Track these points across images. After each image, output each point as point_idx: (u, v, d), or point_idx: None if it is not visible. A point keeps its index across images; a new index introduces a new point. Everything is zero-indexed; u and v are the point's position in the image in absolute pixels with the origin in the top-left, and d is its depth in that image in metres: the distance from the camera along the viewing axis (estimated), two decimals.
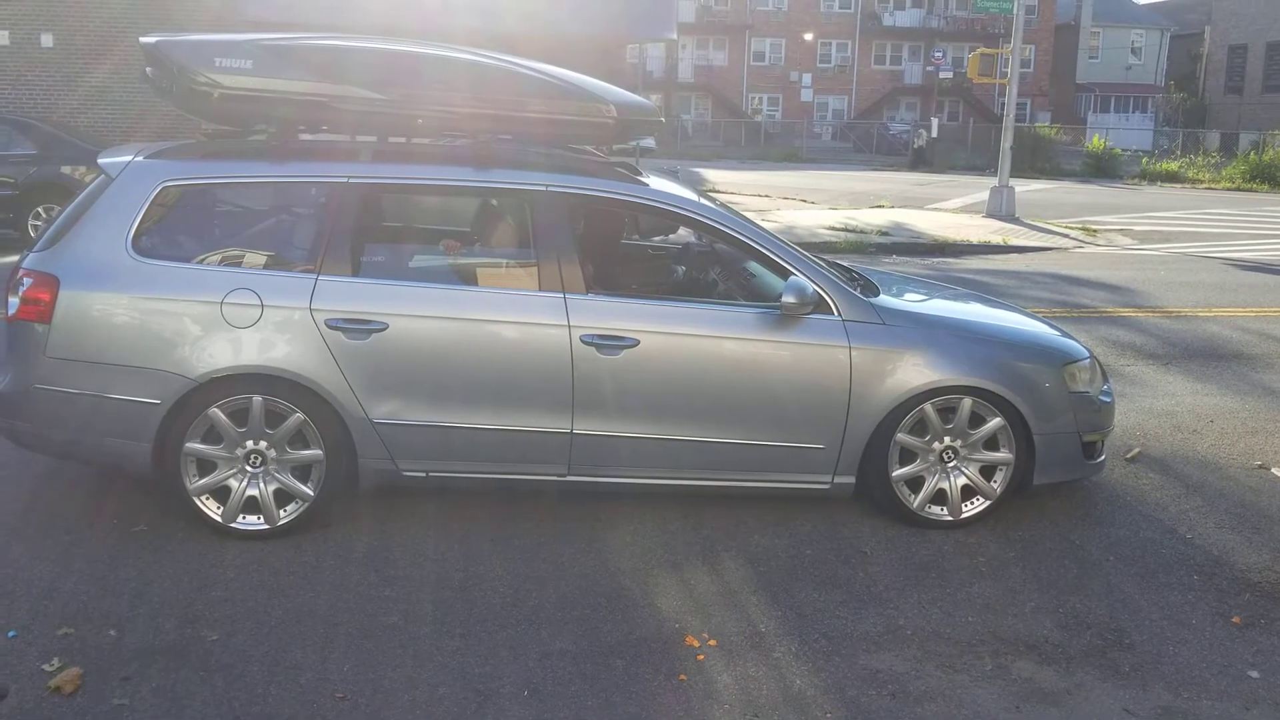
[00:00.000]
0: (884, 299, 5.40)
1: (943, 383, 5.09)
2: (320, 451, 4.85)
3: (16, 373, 4.86)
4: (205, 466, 4.85)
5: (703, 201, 5.41)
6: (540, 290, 4.95)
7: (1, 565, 4.57)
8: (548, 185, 5.05)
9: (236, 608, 4.27)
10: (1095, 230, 19.13)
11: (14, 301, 4.81)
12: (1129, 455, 6.45)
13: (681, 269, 6.31)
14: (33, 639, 3.98)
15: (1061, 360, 5.39)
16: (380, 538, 4.95)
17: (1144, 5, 67.41)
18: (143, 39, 5.19)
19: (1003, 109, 23.21)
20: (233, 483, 4.84)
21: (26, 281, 4.78)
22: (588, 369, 4.90)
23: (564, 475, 5.07)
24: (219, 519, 4.84)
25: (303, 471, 4.91)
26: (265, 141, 5.20)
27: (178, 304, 4.76)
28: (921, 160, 38.35)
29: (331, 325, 4.78)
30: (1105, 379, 5.69)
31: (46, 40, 19.65)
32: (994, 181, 21.71)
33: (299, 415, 4.80)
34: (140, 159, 5.00)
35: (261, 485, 4.85)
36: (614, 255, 6.16)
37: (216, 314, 4.73)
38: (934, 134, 38.91)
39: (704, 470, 5.15)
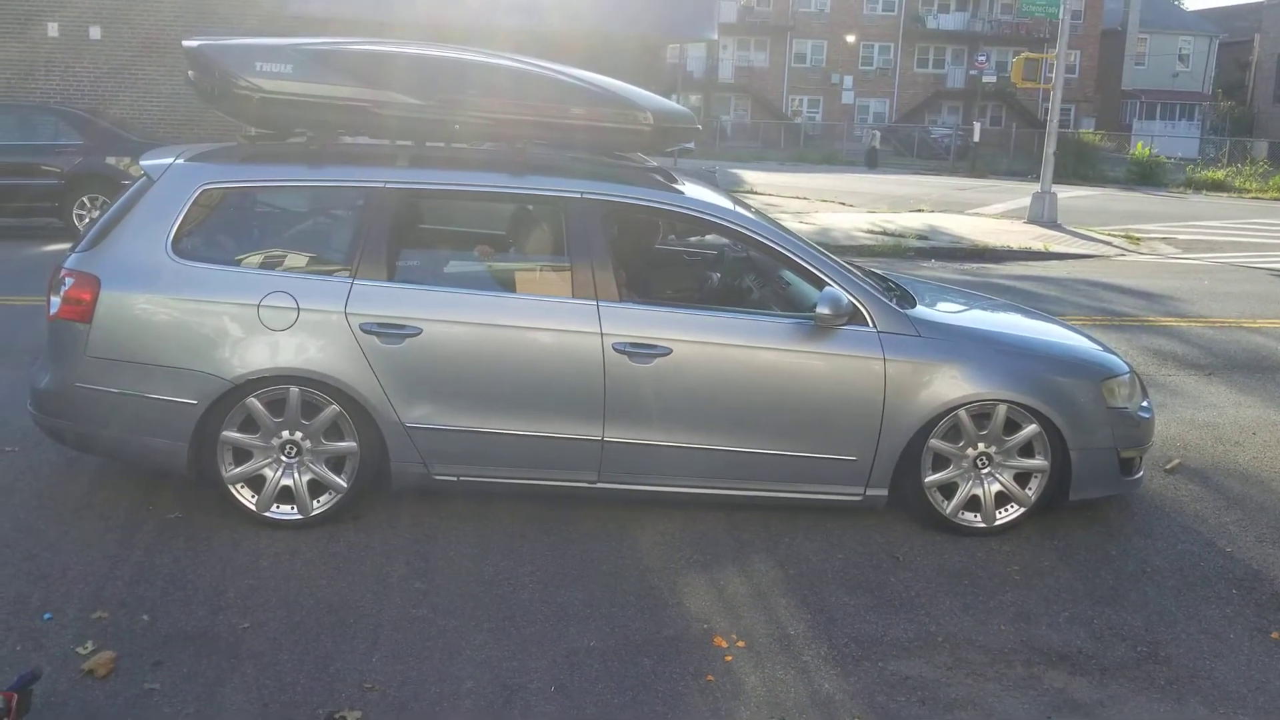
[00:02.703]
0: (920, 310, 5.35)
1: (978, 396, 5.04)
2: (354, 444, 4.89)
3: (57, 371, 4.94)
4: (241, 455, 4.89)
5: (738, 210, 5.38)
6: (573, 297, 4.95)
7: (38, 550, 4.63)
8: (582, 192, 5.05)
9: (268, 596, 4.30)
10: (1138, 238, 18.90)
11: (55, 301, 4.88)
12: (1168, 466, 6.36)
13: (716, 276, 6.28)
14: (67, 622, 4.03)
15: (1100, 375, 5.31)
16: (412, 531, 4.97)
17: (1193, 12, 66.60)
18: (185, 42, 5.26)
19: (1046, 114, 22.99)
20: (267, 472, 4.89)
21: (68, 281, 4.85)
22: (619, 377, 4.89)
23: (594, 482, 5.06)
24: (253, 508, 4.89)
25: (337, 463, 4.94)
26: (304, 145, 5.25)
27: (215, 306, 4.81)
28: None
29: (366, 329, 4.81)
30: (1144, 394, 5.61)
31: (94, 33, 19.91)
32: (1036, 187, 21.52)
33: (334, 407, 4.83)
34: (181, 161, 5.06)
35: (296, 475, 4.90)
36: (648, 262, 6.15)
37: (254, 316, 4.77)
38: (976, 138, 38.71)
39: (734, 480, 5.12)
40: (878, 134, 44.59)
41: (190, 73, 5.28)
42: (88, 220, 14.03)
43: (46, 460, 5.58)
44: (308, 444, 4.88)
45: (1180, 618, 4.52)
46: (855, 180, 31.15)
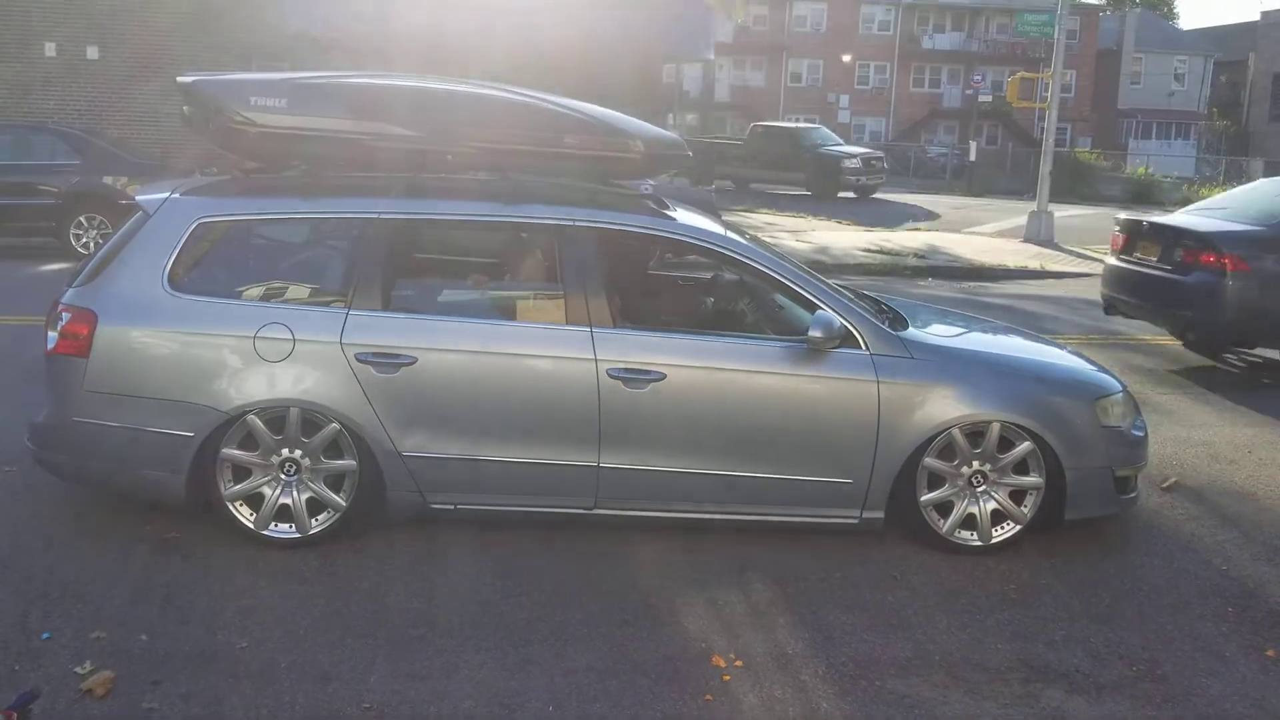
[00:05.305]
0: (912, 332, 5.37)
1: (972, 418, 5.06)
2: (354, 462, 4.90)
3: (55, 406, 4.97)
4: (240, 473, 4.91)
5: (729, 235, 5.41)
6: (567, 324, 4.97)
7: (37, 569, 4.63)
8: (575, 220, 5.08)
9: (266, 615, 4.31)
10: None
11: (53, 336, 4.90)
12: (1164, 485, 6.37)
13: (710, 300, 6.31)
14: (66, 642, 4.03)
15: (1094, 394, 5.33)
16: (410, 550, 4.97)
17: (1188, 31, 66.91)
18: (180, 78, 5.33)
19: (1042, 134, 23.09)
20: (266, 490, 4.90)
21: (65, 316, 4.87)
22: (614, 403, 4.90)
23: (590, 508, 5.07)
24: (251, 526, 4.90)
25: (335, 481, 4.95)
26: (298, 178, 5.29)
27: (212, 338, 4.84)
28: None
29: (361, 359, 4.82)
30: (1139, 413, 5.63)
31: (92, 53, 20.00)
32: (1032, 206, 21.58)
33: (334, 425, 4.85)
34: (176, 195, 5.10)
35: (294, 494, 4.91)
36: (641, 287, 6.18)
37: (250, 348, 4.79)
38: (972, 157, 38.85)
39: (730, 504, 5.13)
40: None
41: (185, 108, 5.34)
42: (84, 240, 14.05)
43: (45, 479, 5.57)
44: (307, 462, 4.90)
45: (1177, 636, 4.53)
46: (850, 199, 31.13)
